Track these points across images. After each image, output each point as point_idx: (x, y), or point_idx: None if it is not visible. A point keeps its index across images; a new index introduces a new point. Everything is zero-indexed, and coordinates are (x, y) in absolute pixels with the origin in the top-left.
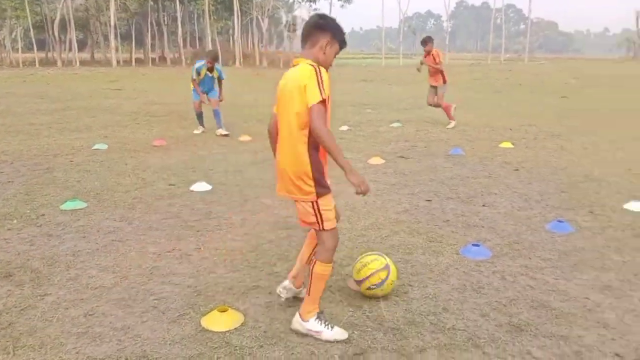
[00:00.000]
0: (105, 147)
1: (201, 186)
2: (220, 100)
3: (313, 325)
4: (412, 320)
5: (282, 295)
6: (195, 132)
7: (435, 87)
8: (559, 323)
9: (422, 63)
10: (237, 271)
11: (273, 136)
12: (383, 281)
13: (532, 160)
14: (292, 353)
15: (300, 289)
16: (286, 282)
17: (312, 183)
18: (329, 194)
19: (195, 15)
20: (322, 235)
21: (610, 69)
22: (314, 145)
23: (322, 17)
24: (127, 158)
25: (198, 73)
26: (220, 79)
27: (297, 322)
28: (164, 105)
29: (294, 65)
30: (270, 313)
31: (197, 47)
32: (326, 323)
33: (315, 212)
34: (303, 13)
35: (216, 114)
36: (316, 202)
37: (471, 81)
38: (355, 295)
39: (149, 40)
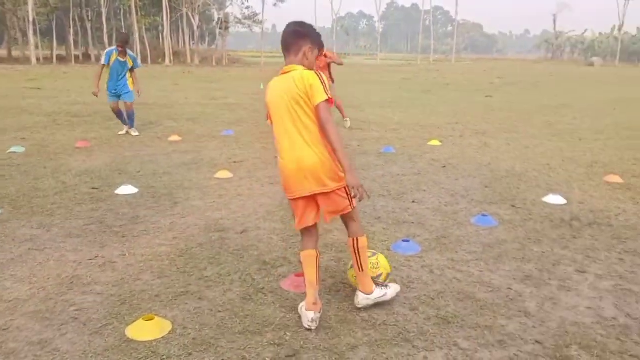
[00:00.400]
0: (22, 150)
1: (127, 189)
2: (139, 95)
3: (378, 293)
4: (344, 319)
5: (313, 327)
6: (120, 132)
7: None
8: (483, 314)
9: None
10: (165, 277)
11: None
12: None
13: (458, 157)
14: (223, 359)
15: (321, 310)
16: (311, 314)
17: (342, 170)
18: None
19: (122, 11)
20: (352, 214)
21: (530, 69)
22: None
23: (300, 24)
24: (46, 161)
25: (109, 57)
26: (134, 68)
27: (364, 299)
28: (87, 105)
29: (284, 73)
30: (199, 319)
31: None
32: (382, 286)
33: (347, 194)
34: (235, 10)
35: (130, 115)
36: (346, 186)
37: (402, 81)
38: (287, 297)
39: (71, 37)
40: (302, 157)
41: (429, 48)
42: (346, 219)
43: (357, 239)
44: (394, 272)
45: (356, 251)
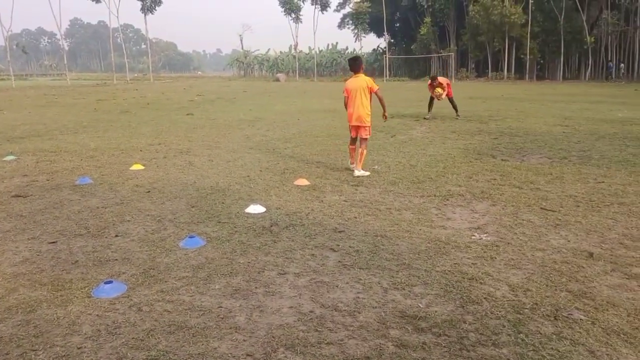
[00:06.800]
0: None
1: None
2: None
3: (362, 172)
4: None
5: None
6: None
7: None
8: (195, 341)
9: None
10: None
11: (347, 106)
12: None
13: (163, 180)
14: None
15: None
16: (353, 166)
17: (370, 120)
18: None
19: None
20: (366, 139)
21: (226, 86)
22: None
23: (357, 57)
24: None
25: None
26: None
27: (357, 172)
28: None
29: (355, 76)
30: None
31: None
32: (365, 170)
33: (368, 130)
34: None
35: None
36: (369, 126)
37: (98, 102)
38: None
39: None
40: (356, 111)
41: (125, 67)
42: (361, 141)
43: (363, 152)
44: (97, 320)
45: (362, 155)
